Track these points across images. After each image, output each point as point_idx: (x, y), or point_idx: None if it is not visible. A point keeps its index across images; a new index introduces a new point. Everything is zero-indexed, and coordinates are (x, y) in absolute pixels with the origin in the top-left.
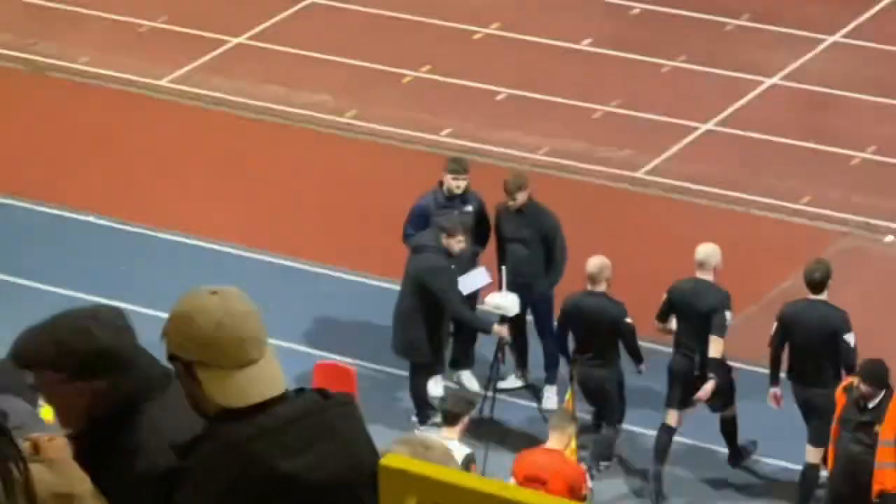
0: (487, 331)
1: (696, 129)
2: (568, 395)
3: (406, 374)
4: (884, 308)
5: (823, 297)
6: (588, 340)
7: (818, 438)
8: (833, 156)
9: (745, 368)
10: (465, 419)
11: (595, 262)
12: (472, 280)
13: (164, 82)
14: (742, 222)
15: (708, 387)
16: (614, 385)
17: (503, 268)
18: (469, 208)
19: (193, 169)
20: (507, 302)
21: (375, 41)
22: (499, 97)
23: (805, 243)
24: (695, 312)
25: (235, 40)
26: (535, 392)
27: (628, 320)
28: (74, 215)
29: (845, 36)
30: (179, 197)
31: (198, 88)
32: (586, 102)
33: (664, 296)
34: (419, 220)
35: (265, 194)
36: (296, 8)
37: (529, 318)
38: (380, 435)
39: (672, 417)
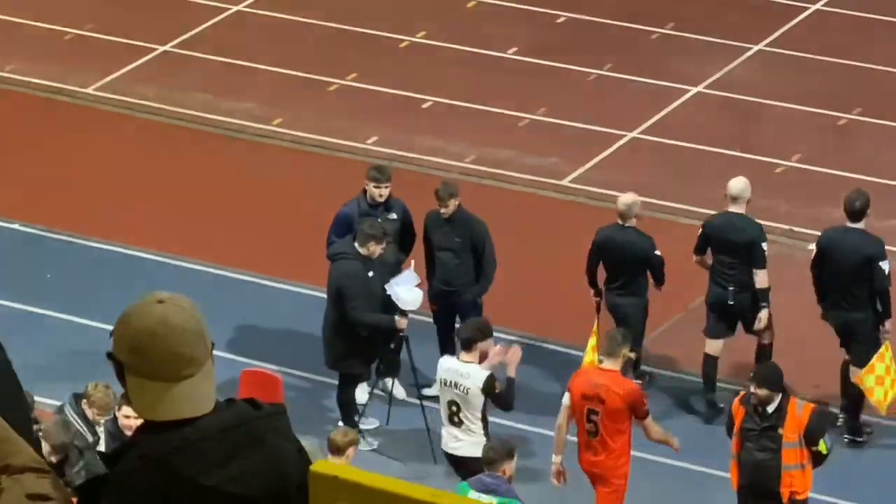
0: (392, 328)
1: (621, 137)
2: (594, 327)
3: (331, 380)
4: (807, 315)
5: (861, 225)
6: (618, 272)
7: (860, 360)
8: (758, 164)
9: (670, 375)
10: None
11: (625, 200)
12: (402, 282)
13: (90, 90)
14: (668, 230)
15: (763, 315)
16: (639, 312)
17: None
18: (393, 216)
19: (118, 177)
20: (407, 296)
21: (302, 49)
22: (425, 105)
23: None
24: (730, 245)
25: (161, 48)
26: None
27: (657, 253)
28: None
29: (769, 45)
30: (105, 204)
31: (124, 96)
32: (513, 111)
33: (699, 230)
34: (343, 227)
35: (191, 202)
36: (222, 16)
37: (458, 325)
38: (306, 438)
39: (712, 347)
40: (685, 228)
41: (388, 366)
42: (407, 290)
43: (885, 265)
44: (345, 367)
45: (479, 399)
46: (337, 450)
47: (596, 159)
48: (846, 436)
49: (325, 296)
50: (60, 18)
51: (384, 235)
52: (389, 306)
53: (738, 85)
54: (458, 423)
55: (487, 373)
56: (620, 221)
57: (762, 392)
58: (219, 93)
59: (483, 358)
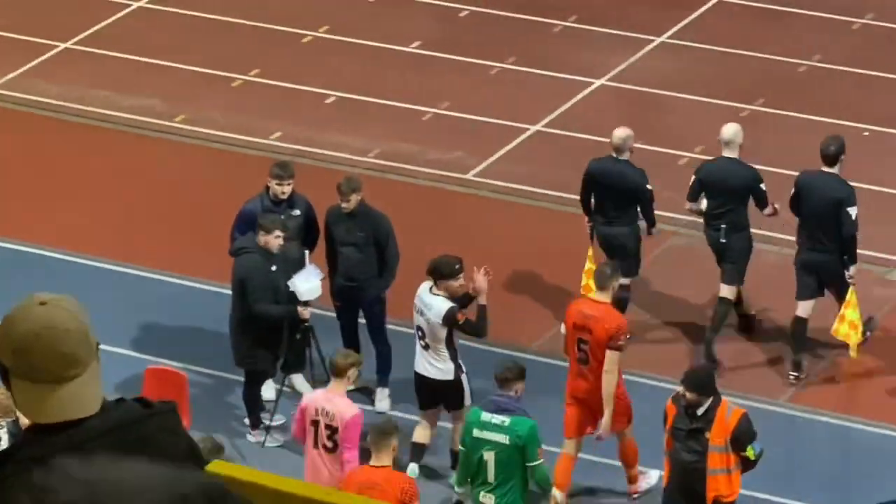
0: (295, 318)
1: (525, 130)
2: (589, 252)
3: (237, 377)
4: (711, 303)
5: (835, 170)
6: (611, 203)
7: (836, 287)
8: (662, 155)
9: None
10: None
11: (619, 133)
12: (304, 277)
13: None
14: (573, 223)
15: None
16: (633, 240)
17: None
18: (296, 212)
19: (21, 174)
20: (304, 286)
21: (205, 45)
22: (328, 100)
23: None
24: (726, 188)
25: (63, 45)
26: (367, 394)
27: (648, 187)
28: None
29: (671, 37)
30: (6, 201)
31: (25, 94)
32: (416, 105)
33: (693, 177)
34: (246, 224)
35: (94, 199)
36: (124, 12)
37: (362, 320)
38: (211, 435)
39: (725, 290)
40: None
41: (294, 362)
42: (305, 280)
43: (852, 211)
44: (251, 364)
45: (441, 330)
46: (339, 372)
47: (500, 153)
48: (794, 375)
49: (229, 291)
50: None
51: (274, 225)
52: (293, 301)
53: (641, 77)
54: (426, 348)
55: (449, 305)
56: (615, 154)
57: (691, 396)
58: (121, 90)
59: (452, 293)
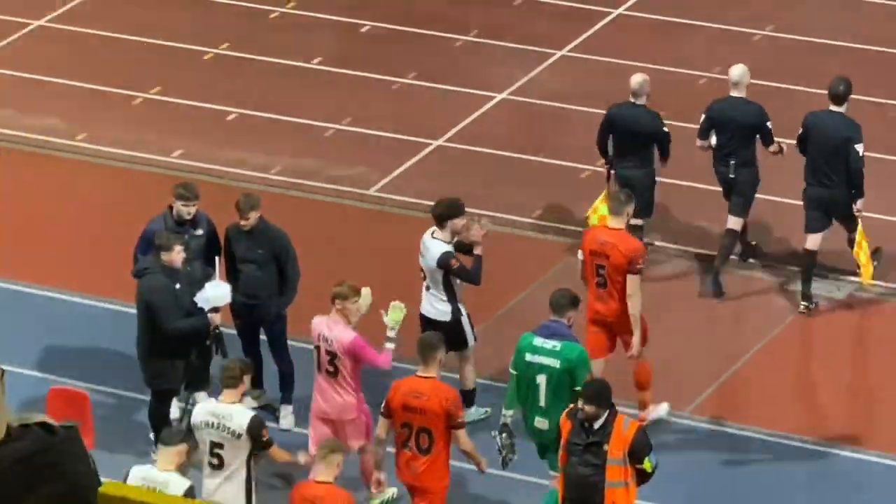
0: (207, 327)
1: (427, 145)
2: (603, 194)
3: (140, 396)
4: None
5: (842, 109)
6: (628, 145)
7: (847, 223)
8: (563, 168)
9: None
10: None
11: (637, 79)
12: (213, 285)
13: None
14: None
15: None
16: (648, 183)
17: None
18: (199, 232)
19: None
20: (214, 292)
21: (105, 64)
22: (230, 117)
23: (536, 256)
24: (734, 126)
25: None
26: (271, 412)
27: (665, 129)
28: None
29: (571, 50)
30: None
31: None
32: (318, 121)
33: (703, 115)
34: (149, 244)
35: (35, 221)
36: (23, 31)
37: (263, 337)
38: (115, 457)
39: (732, 222)
40: (491, 235)
41: (198, 379)
42: (214, 287)
43: (859, 147)
44: (160, 384)
45: (438, 273)
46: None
47: (402, 168)
48: (801, 302)
49: (130, 310)
50: None
51: (172, 242)
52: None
53: (542, 91)
54: (427, 289)
55: (444, 250)
56: (633, 99)
57: (589, 409)
58: (22, 108)
59: (456, 230)
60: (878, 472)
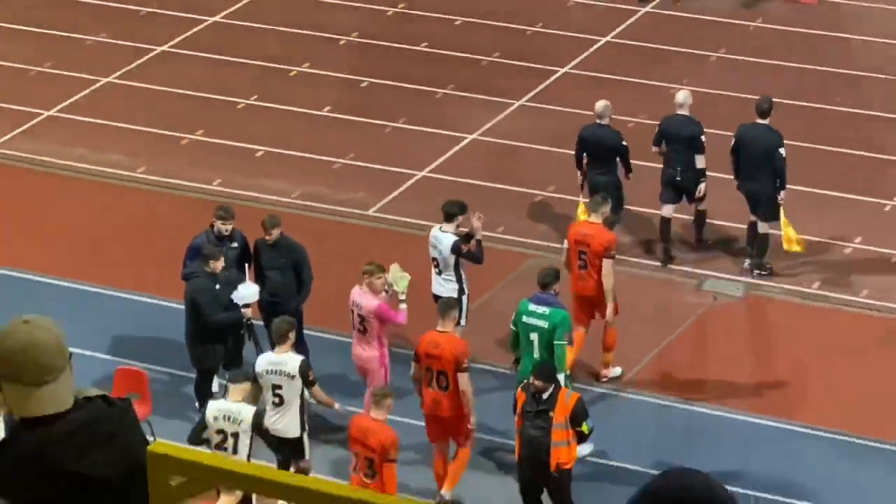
0: (240, 319)
1: (414, 175)
2: (581, 196)
3: (187, 373)
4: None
5: (766, 121)
6: (597, 158)
7: (767, 216)
8: (520, 194)
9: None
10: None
11: (600, 104)
12: (245, 286)
13: None
14: None
15: (702, 187)
16: (615, 187)
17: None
18: (235, 244)
19: (18, 214)
20: (247, 291)
21: (159, 111)
22: (258, 154)
23: (500, 263)
24: (678, 137)
25: (47, 112)
26: None
27: (624, 143)
28: None
29: (527, 101)
30: (7, 236)
31: (18, 152)
32: (327, 156)
33: (657, 127)
34: (194, 254)
35: (72, 234)
36: (95, 86)
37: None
38: (168, 422)
39: (666, 210)
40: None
41: (233, 361)
42: (245, 288)
43: (782, 151)
44: (204, 364)
45: (451, 258)
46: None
47: (394, 194)
48: (756, 271)
49: (179, 306)
50: None
51: (217, 255)
52: (235, 310)
53: (505, 132)
54: (439, 273)
55: (454, 239)
56: (598, 121)
57: (539, 384)
58: (93, 147)
59: (458, 225)
60: (766, 431)
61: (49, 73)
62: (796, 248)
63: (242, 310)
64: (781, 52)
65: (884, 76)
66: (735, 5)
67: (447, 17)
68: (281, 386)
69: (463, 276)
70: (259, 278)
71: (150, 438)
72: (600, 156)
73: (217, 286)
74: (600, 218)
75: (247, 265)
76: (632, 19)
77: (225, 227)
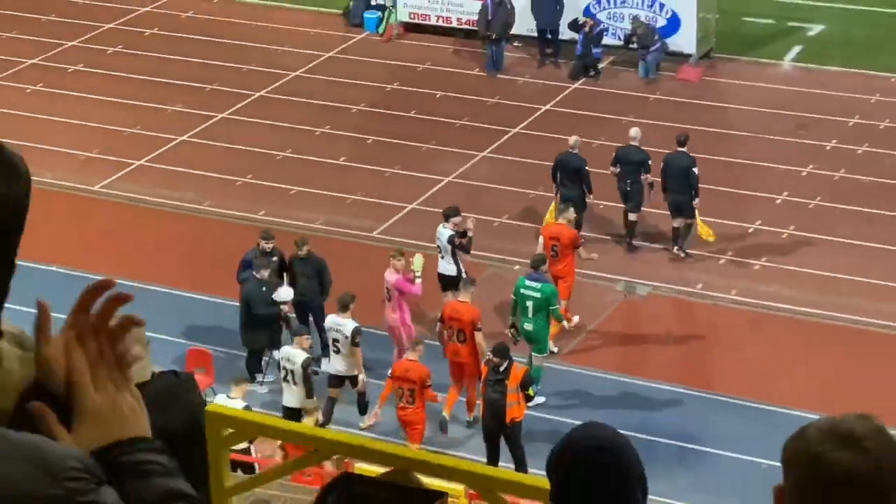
0: (279, 313)
1: (404, 207)
2: (551, 207)
3: (239, 352)
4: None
5: (684, 150)
6: (566, 178)
7: (688, 216)
8: (486, 221)
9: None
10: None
11: (572, 138)
12: (282, 292)
13: (97, 187)
14: (429, 262)
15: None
16: (580, 201)
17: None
18: (275, 258)
19: (120, 241)
20: (285, 292)
21: (221, 162)
22: (292, 192)
23: (469, 271)
24: (630, 161)
25: (138, 162)
26: (317, 363)
27: (586, 168)
28: None
29: (490, 152)
30: (124, 250)
31: (122, 192)
32: (342, 193)
33: (614, 153)
34: (246, 265)
35: (160, 251)
36: (172, 143)
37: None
38: (226, 388)
39: (633, 216)
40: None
41: (274, 343)
42: (284, 289)
43: (696, 170)
44: (252, 345)
45: (448, 247)
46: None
47: (391, 221)
48: (682, 253)
49: (233, 303)
50: (78, 142)
51: (264, 266)
52: (276, 305)
53: (472, 176)
54: (442, 257)
55: (450, 234)
56: (570, 149)
57: (497, 360)
58: (169, 186)
59: (457, 225)
60: (664, 394)
61: (139, 134)
62: (710, 238)
63: (281, 306)
64: (673, 116)
65: (749, 134)
66: (639, 83)
67: (430, 92)
68: (338, 340)
69: (460, 262)
70: (292, 283)
71: (208, 401)
72: (569, 175)
73: (263, 289)
74: (565, 220)
75: (284, 273)
76: (565, 92)
77: (267, 245)
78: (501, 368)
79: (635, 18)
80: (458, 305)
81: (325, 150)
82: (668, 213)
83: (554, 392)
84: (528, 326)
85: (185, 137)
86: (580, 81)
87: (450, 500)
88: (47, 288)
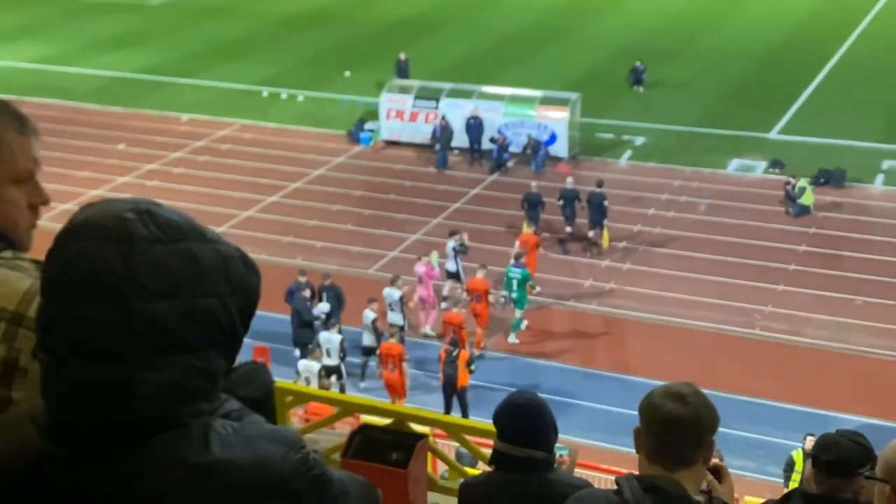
0: (315, 320)
1: (386, 255)
2: (525, 223)
3: (285, 347)
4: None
5: (600, 190)
6: (531, 206)
7: (598, 231)
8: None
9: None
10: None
11: (534, 184)
12: (322, 306)
13: None
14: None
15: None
16: (538, 217)
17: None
18: (307, 286)
19: None
20: (322, 307)
21: (277, 227)
22: (318, 246)
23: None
24: (569, 197)
25: (218, 229)
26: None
27: (542, 199)
28: None
29: (443, 218)
30: None
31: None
32: (349, 246)
33: (560, 192)
34: (291, 292)
35: None
36: (239, 218)
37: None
38: (281, 369)
39: (569, 227)
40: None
41: (308, 343)
42: (322, 304)
43: (606, 203)
44: (301, 339)
45: (452, 253)
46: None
47: (380, 263)
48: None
49: (284, 316)
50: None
51: (306, 287)
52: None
53: (431, 234)
54: (448, 259)
55: (454, 243)
56: (532, 189)
57: (450, 347)
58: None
59: (457, 240)
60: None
61: (216, 213)
62: (607, 245)
63: (318, 315)
64: (553, 192)
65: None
66: (532, 175)
67: (402, 182)
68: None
69: (459, 262)
70: (322, 301)
71: (274, 379)
72: (532, 204)
73: (308, 304)
74: (531, 231)
75: (314, 295)
76: (486, 181)
77: (302, 279)
78: (454, 354)
79: (529, 136)
80: (477, 281)
81: (337, 219)
82: (589, 225)
83: (488, 369)
84: (513, 295)
85: (249, 213)
86: (496, 174)
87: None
88: None
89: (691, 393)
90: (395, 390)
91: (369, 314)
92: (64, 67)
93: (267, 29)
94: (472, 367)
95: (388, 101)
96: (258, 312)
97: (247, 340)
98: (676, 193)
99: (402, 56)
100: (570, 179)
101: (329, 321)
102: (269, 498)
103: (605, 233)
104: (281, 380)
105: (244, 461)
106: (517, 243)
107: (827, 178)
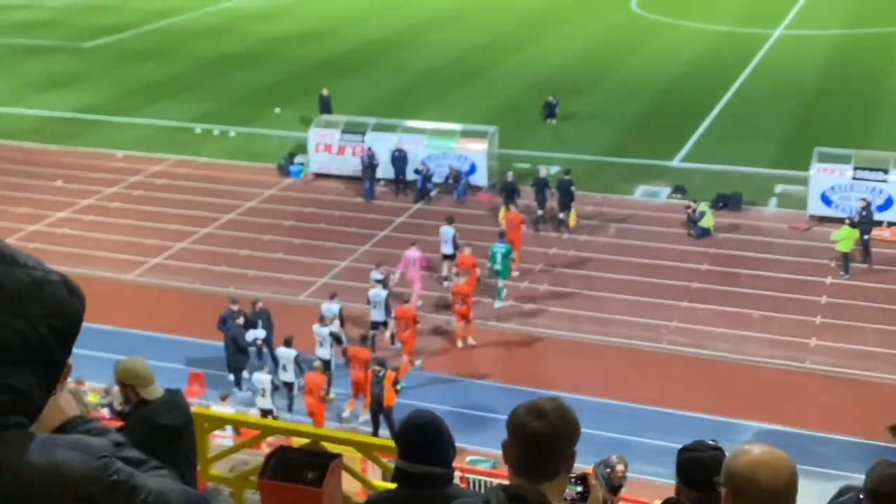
0: (250, 345)
1: (318, 280)
2: (502, 209)
3: (219, 372)
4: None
5: (568, 177)
6: (508, 194)
7: (568, 212)
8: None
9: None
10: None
11: (510, 173)
12: (257, 333)
13: (131, 275)
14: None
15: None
16: (515, 203)
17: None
18: (241, 313)
19: (153, 313)
20: (257, 333)
21: (210, 258)
22: (249, 275)
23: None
24: (540, 185)
25: (153, 260)
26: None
27: (518, 187)
28: None
29: (370, 246)
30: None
31: (159, 280)
32: (280, 274)
33: (533, 179)
34: (223, 319)
35: (159, 311)
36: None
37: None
38: (214, 394)
39: (540, 211)
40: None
41: (242, 366)
42: (257, 331)
43: (573, 188)
44: (238, 364)
45: (451, 239)
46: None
47: (311, 290)
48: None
49: (217, 343)
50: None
51: (238, 316)
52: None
53: (359, 260)
54: (445, 244)
55: (452, 231)
56: (509, 178)
57: (377, 367)
58: (177, 276)
59: (454, 226)
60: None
61: (149, 244)
62: (574, 223)
63: (256, 341)
64: (480, 218)
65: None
66: (454, 203)
67: (331, 212)
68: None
69: (455, 246)
70: (254, 327)
71: (192, 408)
72: (508, 192)
73: (241, 331)
74: (514, 211)
75: (246, 322)
76: (411, 210)
77: (234, 307)
78: (381, 374)
79: (450, 166)
80: (465, 258)
81: (268, 248)
82: (558, 208)
83: (414, 387)
84: (497, 267)
85: (184, 244)
86: (420, 203)
87: (346, 457)
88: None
89: (553, 409)
90: (360, 388)
91: (322, 330)
92: (1, 108)
93: (199, 69)
94: (399, 387)
95: (316, 136)
96: (192, 340)
97: (180, 366)
98: (588, 218)
99: (325, 92)
100: (542, 168)
101: (260, 352)
102: (62, 500)
103: (573, 214)
104: (212, 403)
105: (41, 464)
106: (503, 223)
107: (725, 202)
